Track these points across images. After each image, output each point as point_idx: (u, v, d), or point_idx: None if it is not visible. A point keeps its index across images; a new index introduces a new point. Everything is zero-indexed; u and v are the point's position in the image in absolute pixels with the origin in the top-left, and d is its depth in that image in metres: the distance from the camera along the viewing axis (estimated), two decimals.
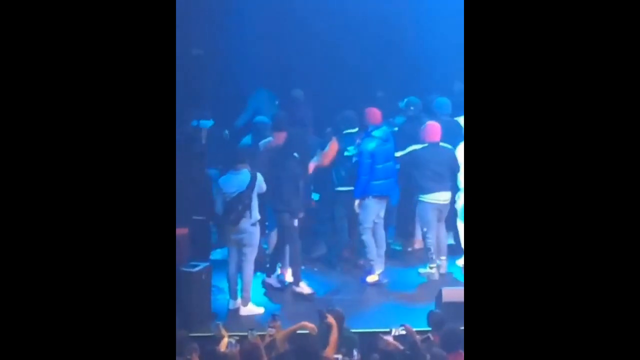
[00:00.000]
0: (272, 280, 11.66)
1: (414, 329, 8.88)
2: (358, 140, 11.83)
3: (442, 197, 11.63)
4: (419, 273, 11.93)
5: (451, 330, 8.48)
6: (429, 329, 9.16)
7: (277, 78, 14.01)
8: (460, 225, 11.88)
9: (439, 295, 10.13)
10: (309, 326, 9.04)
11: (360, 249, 11.97)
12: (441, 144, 11.63)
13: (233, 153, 11.23)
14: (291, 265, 11.52)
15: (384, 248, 11.86)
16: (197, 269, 10.77)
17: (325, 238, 12.31)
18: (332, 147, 11.77)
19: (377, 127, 11.71)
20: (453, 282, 11.27)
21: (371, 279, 11.76)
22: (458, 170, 11.54)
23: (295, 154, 11.33)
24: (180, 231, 10.98)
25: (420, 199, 11.73)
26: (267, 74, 14.04)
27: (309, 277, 11.63)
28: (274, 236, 11.76)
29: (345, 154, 11.80)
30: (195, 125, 12.33)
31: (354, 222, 12.04)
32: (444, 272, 11.76)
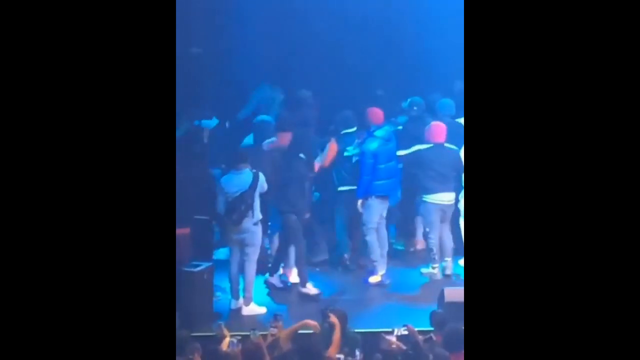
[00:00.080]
0: (275, 280, 11.65)
1: (416, 329, 8.88)
2: (357, 140, 11.82)
3: (445, 197, 11.61)
4: (421, 273, 11.93)
5: (453, 330, 8.46)
6: (432, 328, 9.16)
7: (278, 78, 14.00)
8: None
9: (441, 295, 10.12)
10: (311, 324, 9.05)
11: (363, 250, 11.96)
12: (446, 144, 11.61)
13: (235, 153, 11.21)
14: (297, 266, 11.50)
15: (386, 248, 11.85)
16: (198, 268, 10.77)
17: (326, 238, 12.29)
18: (332, 148, 11.77)
19: (379, 127, 11.70)
20: (459, 284, 11.26)
21: (374, 279, 11.75)
22: (462, 171, 11.53)
23: (302, 155, 11.31)
24: (182, 231, 10.99)
25: (423, 199, 11.73)
26: (268, 73, 14.03)
27: (310, 277, 11.61)
28: (276, 237, 11.76)
29: (345, 154, 11.79)
30: (198, 124, 12.34)
31: (355, 222, 12.03)
32: (450, 274, 11.72)
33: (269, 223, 11.76)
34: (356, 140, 11.83)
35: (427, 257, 12.00)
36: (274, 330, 8.91)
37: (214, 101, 13.28)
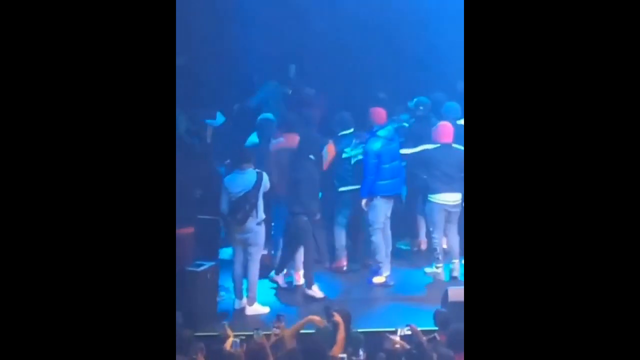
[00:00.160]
0: (280, 279, 11.64)
1: (419, 329, 8.88)
2: (355, 141, 11.80)
3: (450, 198, 11.57)
4: (425, 273, 11.92)
5: (457, 330, 8.44)
6: (435, 328, 9.15)
7: (278, 77, 14.01)
8: None
9: (445, 295, 10.11)
10: (315, 320, 9.06)
11: (367, 250, 11.96)
12: (454, 145, 11.57)
13: (239, 152, 11.19)
14: (304, 268, 11.50)
15: (390, 248, 11.86)
16: (202, 268, 10.77)
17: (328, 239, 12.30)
18: (330, 150, 11.75)
19: (382, 127, 11.69)
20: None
21: (378, 280, 11.75)
22: None
23: (311, 156, 11.30)
24: (186, 230, 10.99)
25: (429, 198, 11.71)
26: (269, 73, 14.03)
27: (315, 278, 11.60)
28: (280, 238, 11.77)
29: (344, 155, 11.78)
30: (205, 123, 12.35)
31: (356, 222, 12.03)
32: (457, 276, 11.66)
33: (272, 224, 11.73)
34: (354, 141, 11.81)
35: (430, 256, 11.99)
36: (276, 331, 8.91)
37: (216, 100, 13.27)
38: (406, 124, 12.47)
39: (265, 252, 11.86)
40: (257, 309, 11.05)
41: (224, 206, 10.96)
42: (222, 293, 11.33)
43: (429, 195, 11.69)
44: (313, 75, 14.10)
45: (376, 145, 11.56)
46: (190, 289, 10.57)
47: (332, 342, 8.67)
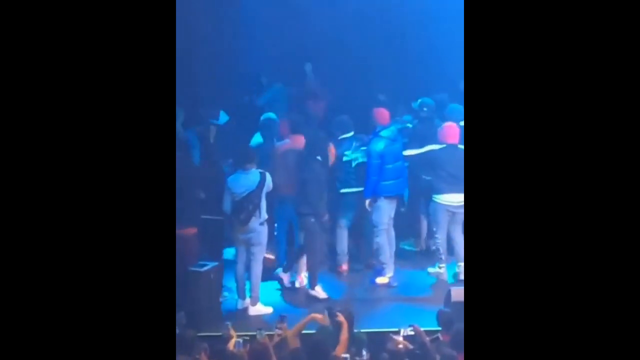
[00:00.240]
0: (285, 277, 11.63)
1: (422, 329, 8.89)
2: (355, 144, 11.81)
3: (455, 199, 11.55)
4: (429, 273, 11.94)
5: (461, 330, 8.44)
6: (438, 328, 9.16)
7: (279, 77, 14.02)
8: None
9: (448, 295, 10.12)
10: (318, 317, 9.07)
11: (370, 250, 11.97)
12: (459, 146, 11.55)
13: (243, 152, 11.19)
14: (309, 268, 11.51)
15: (394, 248, 11.87)
16: (205, 268, 10.78)
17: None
18: (331, 153, 11.76)
19: (385, 128, 11.70)
20: None
21: (381, 280, 11.76)
22: None
23: (319, 157, 11.31)
24: (189, 231, 11.01)
25: (433, 199, 11.72)
26: (270, 72, 14.04)
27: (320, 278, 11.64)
28: (284, 239, 11.76)
29: (344, 159, 11.78)
30: (208, 122, 12.37)
31: (359, 224, 12.04)
32: (462, 279, 11.65)
33: (275, 224, 11.73)
34: (354, 144, 11.82)
35: (433, 256, 12.00)
36: (279, 332, 8.92)
37: (217, 99, 13.28)
38: (409, 125, 12.46)
39: (272, 257, 11.90)
40: (260, 309, 11.07)
41: (227, 206, 10.98)
42: (226, 293, 11.34)
43: (434, 196, 11.70)
44: (315, 75, 14.11)
45: (379, 145, 11.56)
46: (193, 289, 10.59)
47: (335, 342, 8.68)
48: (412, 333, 8.83)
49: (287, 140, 11.73)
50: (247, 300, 11.12)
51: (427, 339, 8.74)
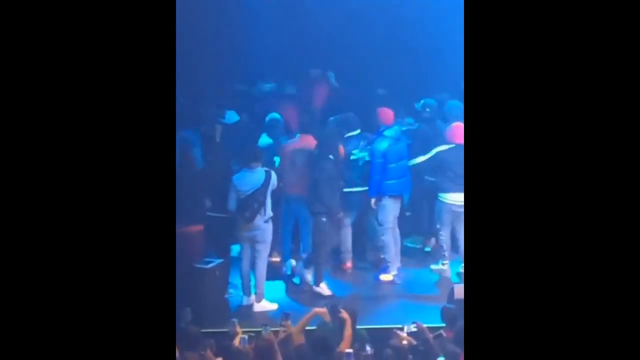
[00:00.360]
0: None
1: (425, 326, 8.94)
2: (362, 142, 11.87)
3: (460, 198, 11.52)
4: (431, 270, 12.00)
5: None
6: (442, 325, 9.21)
7: (280, 76, 14.05)
8: None
9: (451, 292, 10.17)
10: (321, 312, 9.12)
11: (378, 248, 12.04)
12: None
13: (250, 151, 11.25)
14: (316, 266, 11.56)
15: (399, 246, 11.93)
16: (210, 265, 10.83)
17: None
18: (340, 151, 11.79)
19: (388, 127, 11.75)
20: None
21: (385, 277, 11.83)
22: None
23: (331, 156, 11.37)
24: (196, 228, 11.08)
25: (439, 197, 11.77)
26: (272, 71, 14.06)
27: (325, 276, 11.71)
28: (288, 237, 11.82)
29: (352, 157, 11.83)
30: (220, 122, 12.42)
31: (363, 222, 12.11)
32: None
33: (281, 223, 11.78)
34: (361, 143, 11.87)
35: (437, 253, 12.07)
36: (283, 329, 8.97)
37: (220, 99, 13.34)
38: (415, 126, 12.48)
39: (278, 259, 11.96)
40: (265, 306, 11.13)
41: (232, 204, 11.04)
42: (231, 290, 11.39)
43: (439, 195, 11.74)
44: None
45: (382, 145, 11.61)
46: (199, 285, 10.65)
47: (338, 338, 8.73)
48: (415, 330, 8.87)
49: (294, 140, 11.78)
50: (252, 296, 11.19)
51: (430, 335, 8.79)
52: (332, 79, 13.82)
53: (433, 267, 12.01)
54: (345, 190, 11.77)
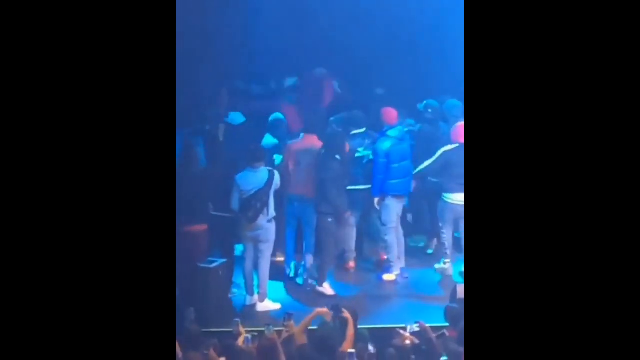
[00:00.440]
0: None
1: (428, 325, 8.95)
2: (367, 141, 11.88)
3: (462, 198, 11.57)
4: (435, 270, 12.02)
5: None
6: (444, 324, 9.23)
7: (283, 76, 14.05)
8: None
9: (454, 292, 10.19)
10: (323, 312, 9.14)
11: (381, 248, 12.05)
12: None
13: (253, 151, 11.26)
14: (320, 266, 11.57)
15: (402, 246, 11.94)
16: (214, 265, 10.84)
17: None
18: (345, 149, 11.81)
19: (392, 127, 11.76)
20: None
21: (388, 277, 11.85)
22: None
23: (338, 156, 11.38)
24: (199, 227, 11.09)
25: (443, 197, 11.78)
26: (273, 71, 14.07)
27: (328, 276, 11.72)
28: (292, 237, 11.85)
29: (356, 155, 11.84)
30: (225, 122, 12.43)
31: (366, 221, 12.12)
32: None
33: (285, 223, 11.80)
34: (366, 141, 11.88)
35: (439, 252, 12.09)
36: (286, 330, 8.98)
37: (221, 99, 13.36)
38: (418, 126, 12.49)
39: (282, 259, 11.97)
40: (268, 306, 11.15)
41: (235, 204, 11.06)
42: (235, 290, 11.42)
43: (444, 194, 11.75)
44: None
45: (385, 144, 11.63)
46: (202, 285, 10.67)
47: (340, 337, 8.74)
48: (418, 329, 8.88)
49: (298, 139, 11.79)
50: (256, 296, 11.21)
51: (433, 335, 8.80)
52: (335, 87, 13.84)
53: (437, 266, 12.02)
54: (349, 188, 11.76)
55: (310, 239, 11.72)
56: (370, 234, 12.34)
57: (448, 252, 11.88)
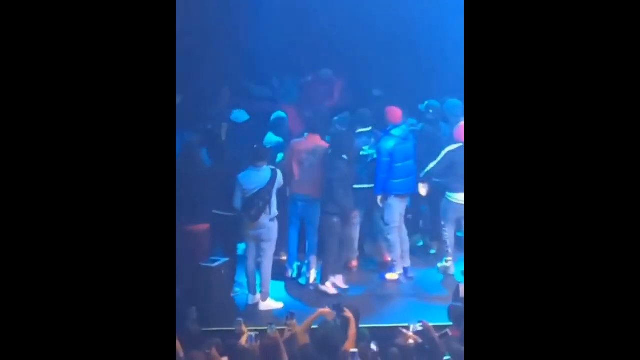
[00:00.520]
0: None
1: (431, 325, 8.94)
2: (372, 140, 11.87)
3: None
4: (438, 269, 12.01)
5: None
6: (448, 324, 9.21)
7: (284, 76, 14.05)
8: None
9: (457, 291, 10.17)
10: (325, 312, 9.13)
11: (384, 247, 12.04)
12: None
13: (260, 151, 11.23)
14: (324, 265, 11.57)
15: (407, 246, 11.93)
16: (216, 264, 10.85)
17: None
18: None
19: (396, 126, 11.75)
20: None
21: (391, 276, 11.84)
22: None
23: (344, 156, 11.37)
24: (202, 227, 11.08)
25: (446, 196, 11.77)
26: (274, 71, 14.07)
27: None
28: (295, 237, 11.84)
29: (361, 153, 11.83)
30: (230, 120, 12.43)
31: (369, 220, 12.11)
32: None
33: (287, 223, 11.79)
34: (372, 140, 11.87)
35: (441, 251, 12.08)
36: (288, 329, 8.97)
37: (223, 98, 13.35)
38: (421, 125, 12.48)
39: (285, 258, 11.96)
40: (270, 305, 11.15)
41: (238, 202, 11.05)
42: (237, 289, 11.41)
43: (447, 194, 11.74)
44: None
45: (389, 143, 11.62)
46: (204, 284, 10.67)
47: (343, 337, 8.73)
48: (421, 329, 8.87)
49: (301, 139, 11.77)
50: (258, 295, 11.20)
51: (436, 334, 8.79)
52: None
53: (439, 265, 12.01)
54: (355, 187, 11.74)
55: (313, 238, 11.71)
56: (373, 233, 12.32)
57: (450, 250, 11.87)
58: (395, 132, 11.70)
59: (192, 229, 10.92)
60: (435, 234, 12.46)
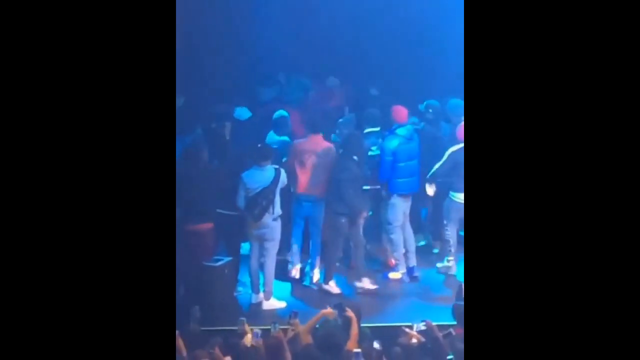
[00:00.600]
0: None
1: (434, 324, 8.94)
2: (380, 140, 11.87)
3: None
4: (438, 269, 12.00)
5: None
6: (451, 323, 9.21)
7: (281, 76, 14.06)
8: None
9: (459, 290, 10.16)
10: (328, 312, 9.13)
11: (387, 247, 12.04)
12: None
13: (260, 149, 11.24)
14: (327, 264, 11.57)
15: (412, 245, 11.92)
16: (219, 263, 10.85)
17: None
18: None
19: (401, 126, 11.74)
20: None
21: (394, 275, 11.84)
22: None
23: (355, 157, 11.35)
24: (205, 226, 11.07)
25: (451, 195, 11.78)
26: (275, 69, 14.07)
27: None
28: (299, 237, 11.82)
29: (370, 153, 11.83)
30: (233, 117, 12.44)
31: (375, 221, 12.12)
32: None
33: (291, 223, 11.77)
34: (380, 140, 11.87)
35: (444, 250, 12.07)
36: (291, 328, 8.97)
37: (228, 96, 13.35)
38: (422, 125, 12.47)
39: (288, 257, 11.95)
40: (273, 304, 11.15)
41: (241, 202, 11.04)
42: (240, 288, 11.42)
43: (451, 193, 11.75)
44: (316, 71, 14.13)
45: (393, 143, 11.62)
46: (208, 283, 10.67)
47: (345, 337, 8.73)
48: (425, 328, 8.87)
49: (304, 139, 11.76)
50: (261, 294, 11.20)
51: (440, 333, 8.78)
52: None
53: (439, 265, 12.01)
54: (364, 188, 11.72)
55: (317, 238, 11.71)
56: (376, 233, 12.30)
57: (452, 249, 11.87)
58: (400, 131, 11.69)
59: (196, 228, 10.92)
60: (438, 234, 12.47)
